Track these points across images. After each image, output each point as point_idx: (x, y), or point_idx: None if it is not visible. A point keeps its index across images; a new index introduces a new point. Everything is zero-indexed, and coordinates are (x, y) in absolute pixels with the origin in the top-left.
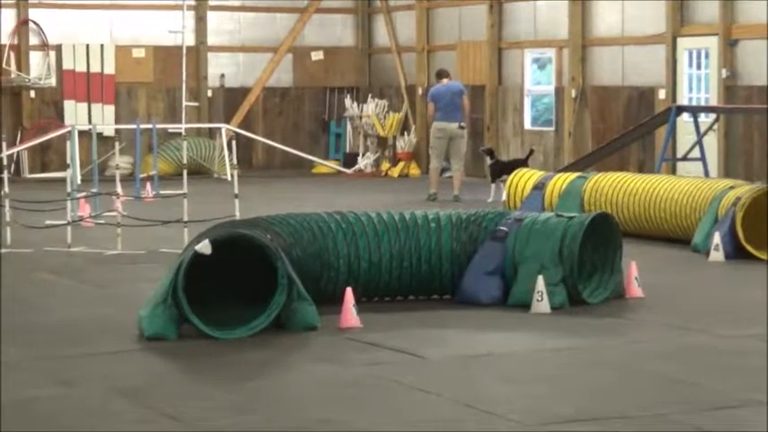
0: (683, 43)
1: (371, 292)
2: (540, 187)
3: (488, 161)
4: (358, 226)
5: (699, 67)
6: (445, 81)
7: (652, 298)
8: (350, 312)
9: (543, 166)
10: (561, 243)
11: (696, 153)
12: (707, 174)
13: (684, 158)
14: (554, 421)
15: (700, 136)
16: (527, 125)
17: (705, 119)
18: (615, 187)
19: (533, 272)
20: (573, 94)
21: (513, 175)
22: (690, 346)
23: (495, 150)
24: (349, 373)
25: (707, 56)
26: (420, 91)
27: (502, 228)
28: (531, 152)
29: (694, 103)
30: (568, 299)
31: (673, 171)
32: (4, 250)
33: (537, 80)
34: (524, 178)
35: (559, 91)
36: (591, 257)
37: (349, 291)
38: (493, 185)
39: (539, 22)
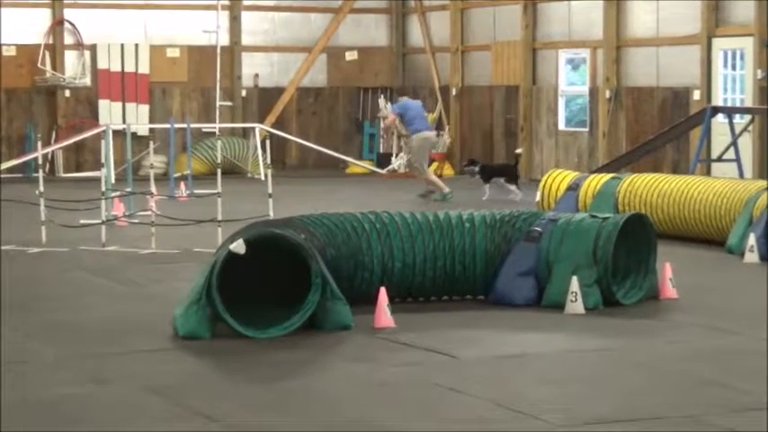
0: (719, 44)
1: (405, 292)
2: (574, 188)
3: (476, 170)
4: (392, 226)
5: (734, 67)
6: (406, 98)
7: (686, 299)
8: (384, 312)
9: (577, 167)
10: (595, 244)
11: (731, 154)
12: (742, 175)
13: (719, 159)
14: (588, 422)
15: (735, 137)
16: (561, 126)
17: (740, 120)
18: (649, 188)
19: (567, 272)
20: (607, 94)
21: (547, 175)
22: (724, 348)
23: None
24: (383, 373)
25: (742, 56)
26: (454, 92)
27: (536, 228)
28: (519, 156)
29: (729, 104)
30: (602, 300)
31: (707, 172)
32: (39, 249)
33: (571, 81)
34: (558, 179)
35: (594, 92)
36: (625, 258)
37: (383, 291)
38: (487, 186)
39: (573, 23)
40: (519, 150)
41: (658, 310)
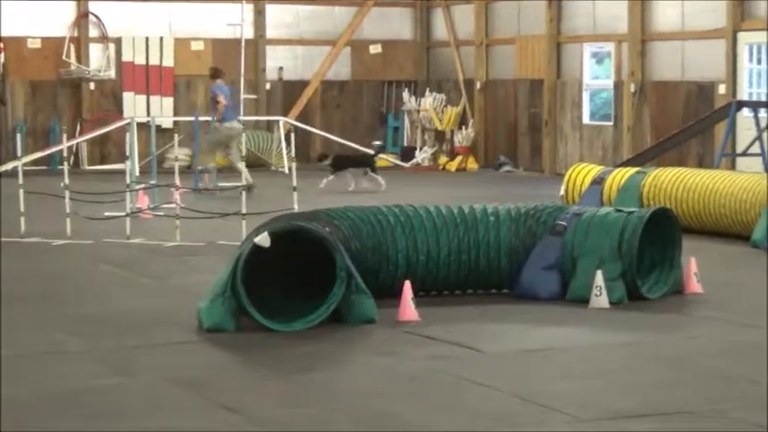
0: (744, 38)
1: (429, 285)
2: (598, 182)
3: (328, 162)
4: (417, 220)
5: (759, 61)
6: (221, 81)
7: (711, 294)
8: (408, 306)
9: (602, 161)
10: (620, 238)
11: (756, 148)
12: (767, 169)
13: (744, 154)
14: (612, 416)
15: (760, 131)
16: (585, 120)
17: (765, 114)
18: (674, 183)
19: (592, 267)
20: (632, 88)
21: (571, 169)
22: (749, 343)
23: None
24: (407, 367)
25: None
26: (478, 85)
27: (561, 222)
28: (380, 149)
29: (755, 98)
30: (627, 294)
31: (732, 166)
32: (63, 241)
33: (595, 74)
34: (583, 173)
35: (618, 85)
36: (650, 253)
37: (407, 284)
38: (349, 176)
39: (598, 17)
40: (378, 142)
41: (683, 305)
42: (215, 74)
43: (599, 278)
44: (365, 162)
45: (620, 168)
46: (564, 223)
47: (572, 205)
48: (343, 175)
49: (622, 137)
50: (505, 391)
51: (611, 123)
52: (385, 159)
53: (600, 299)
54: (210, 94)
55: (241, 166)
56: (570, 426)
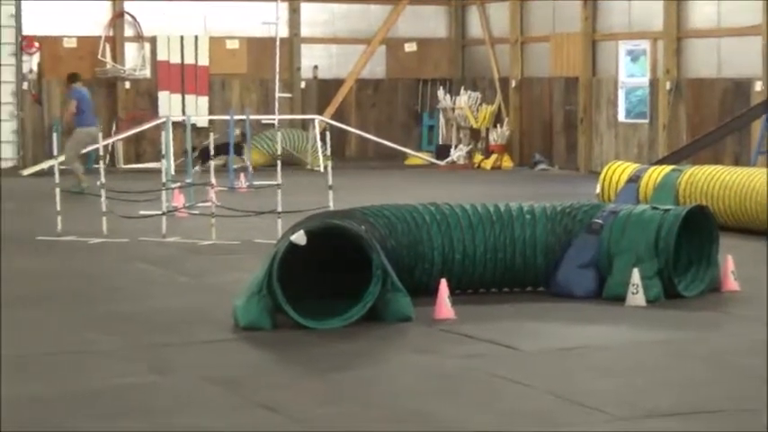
0: None
1: (465, 283)
2: (634, 180)
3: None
4: (453, 218)
5: None
6: (79, 85)
7: (748, 292)
8: (444, 304)
9: (637, 159)
10: (657, 235)
11: None
12: None
13: None
14: (648, 415)
15: None
16: (621, 117)
17: None
18: (710, 180)
19: (629, 264)
20: (667, 86)
21: (607, 167)
22: None
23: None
24: (443, 365)
25: None
26: (513, 83)
27: (597, 220)
28: (242, 137)
29: None
30: (664, 292)
31: None
32: (99, 240)
33: (630, 72)
34: (618, 171)
35: (654, 83)
36: (687, 250)
37: (444, 282)
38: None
39: (633, 14)
40: (243, 132)
41: (720, 303)
42: (72, 78)
43: (635, 276)
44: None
45: (655, 166)
46: (600, 221)
47: (608, 203)
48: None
49: (658, 135)
50: (542, 390)
51: (646, 121)
52: (419, 158)
53: (636, 297)
54: (66, 98)
55: (78, 167)
56: (607, 424)
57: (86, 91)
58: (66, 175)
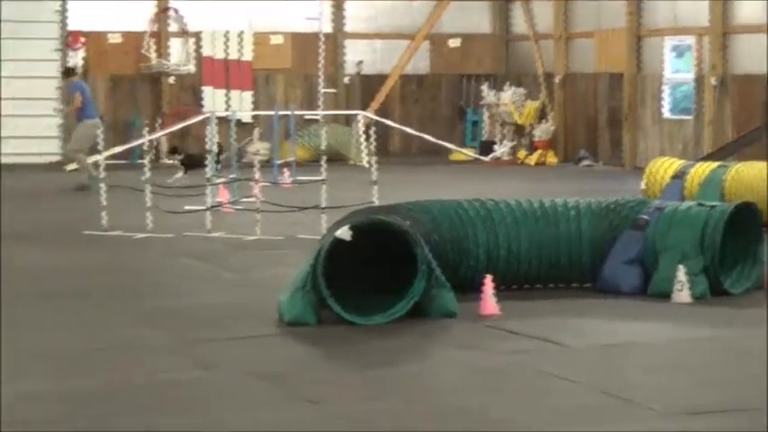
0: None
1: (510, 280)
2: (679, 176)
3: (177, 158)
4: (497, 213)
5: None
6: (77, 78)
7: None
8: (489, 300)
9: (682, 155)
10: (703, 232)
11: None
12: None
13: None
14: (695, 411)
15: None
16: (666, 113)
17: None
18: (757, 177)
19: (674, 261)
20: (713, 82)
21: (652, 163)
22: None
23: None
24: (488, 361)
25: None
26: (557, 79)
27: (643, 216)
28: (221, 149)
29: None
30: (710, 289)
31: None
32: (144, 235)
33: (676, 68)
34: (664, 167)
35: (699, 79)
36: (733, 247)
37: (489, 278)
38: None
39: (678, 10)
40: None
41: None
42: (69, 73)
43: (681, 273)
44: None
45: (701, 162)
46: (646, 217)
47: (653, 199)
48: (195, 173)
49: (703, 131)
50: (588, 386)
51: (691, 117)
52: (463, 153)
53: (682, 293)
54: (66, 93)
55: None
56: (653, 420)
57: (83, 83)
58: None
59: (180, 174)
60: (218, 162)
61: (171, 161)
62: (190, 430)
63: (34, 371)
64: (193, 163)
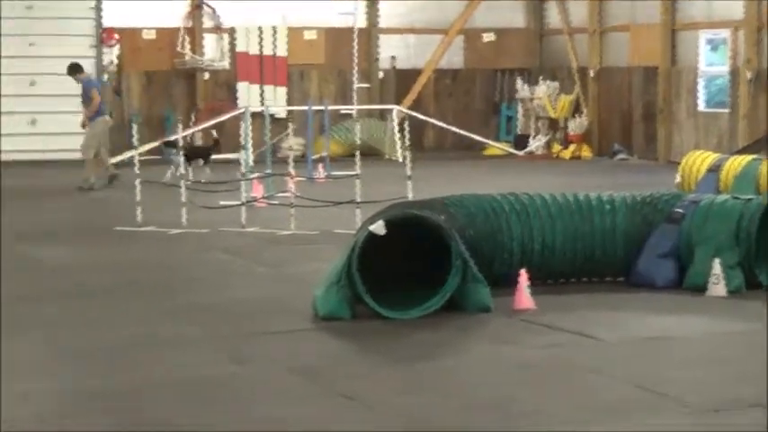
0: None
1: (544, 274)
2: (714, 169)
3: (174, 151)
4: (532, 207)
5: None
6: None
7: None
8: (524, 294)
9: (717, 149)
10: (738, 225)
11: None
12: None
13: None
14: (730, 406)
15: None
16: (701, 107)
17: None
18: None
19: (709, 254)
20: (748, 75)
21: (686, 157)
22: None
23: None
24: (523, 355)
25: None
26: (592, 73)
27: (678, 210)
28: (217, 140)
29: None
30: (745, 282)
31: None
32: (179, 230)
33: (710, 61)
34: (698, 160)
35: (734, 72)
36: None
37: (523, 272)
38: (189, 168)
39: (713, 3)
40: (217, 137)
41: None
42: (77, 69)
43: (716, 266)
44: (207, 152)
45: (736, 156)
46: (681, 211)
47: (688, 193)
48: (194, 164)
49: (738, 124)
50: (624, 380)
51: (726, 110)
52: (498, 148)
53: (717, 287)
54: (83, 89)
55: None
56: (688, 415)
57: (95, 79)
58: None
59: (173, 168)
60: (207, 158)
61: (167, 155)
62: (225, 425)
63: (71, 367)
64: (195, 155)
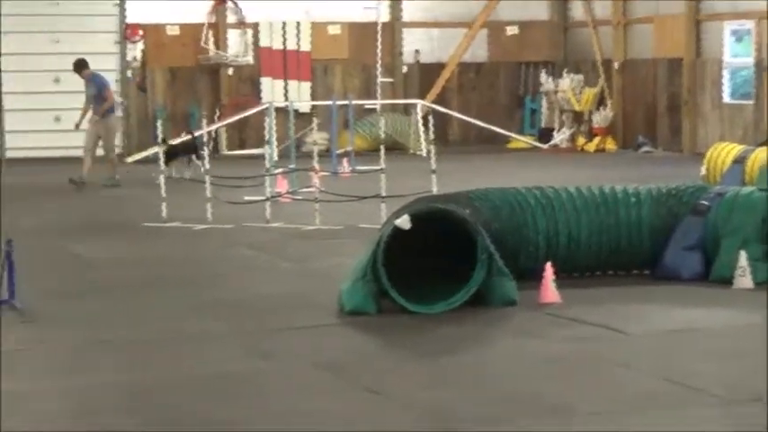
0: None
1: (570, 267)
2: (740, 161)
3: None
4: (557, 201)
5: None
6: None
7: None
8: (550, 287)
9: (742, 140)
10: (764, 217)
11: None
12: None
13: None
14: (758, 398)
15: None
16: (726, 98)
17: None
18: None
19: (735, 246)
20: None
21: (712, 149)
22: None
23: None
24: (549, 348)
25: None
26: (616, 65)
27: (703, 202)
28: (191, 134)
29: None
30: None
31: None
32: (204, 226)
33: (735, 52)
34: (724, 152)
35: (759, 63)
36: None
37: (549, 266)
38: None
39: None
40: (191, 130)
41: None
42: (84, 65)
43: (743, 258)
44: (193, 148)
45: (761, 147)
46: (706, 203)
47: (713, 185)
48: (174, 164)
49: (763, 115)
50: (651, 373)
51: (751, 102)
52: (522, 141)
53: (744, 279)
54: (95, 87)
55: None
56: (716, 407)
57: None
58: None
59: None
60: (168, 160)
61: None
62: (251, 420)
63: (98, 362)
64: (175, 154)
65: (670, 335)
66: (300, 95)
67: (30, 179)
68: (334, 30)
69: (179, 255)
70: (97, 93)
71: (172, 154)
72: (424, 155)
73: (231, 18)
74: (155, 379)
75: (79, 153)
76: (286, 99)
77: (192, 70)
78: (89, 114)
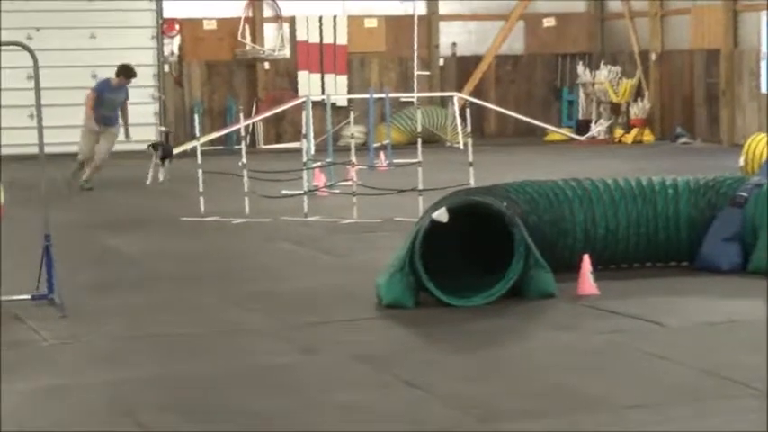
0: None
1: (608, 259)
2: None
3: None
4: (594, 193)
5: None
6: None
7: None
8: (587, 279)
9: None
10: None
11: None
12: None
13: None
14: None
15: None
16: (764, 89)
17: None
18: None
19: None
20: None
21: (750, 139)
22: None
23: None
24: (588, 341)
25: None
26: (653, 57)
27: (741, 193)
28: (168, 134)
29: None
30: None
31: None
32: (242, 220)
33: None
34: (762, 143)
35: None
36: None
37: (586, 258)
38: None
39: None
40: (164, 128)
41: None
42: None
43: None
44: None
45: None
46: (744, 194)
47: (752, 176)
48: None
49: None
50: (689, 365)
51: None
52: (560, 133)
53: None
54: (126, 95)
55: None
56: (755, 399)
57: None
58: (207, 156)
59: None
60: (164, 159)
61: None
62: (293, 412)
63: (139, 355)
64: (168, 154)
65: (708, 327)
66: (337, 89)
67: (63, 175)
68: (370, 23)
69: (218, 249)
70: (124, 101)
71: (168, 154)
72: (461, 148)
73: (268, 12)
74: (195, 372)
75: (122, 148)
76: (323, 93)
77: (229, 64)
78: (92, 122)
